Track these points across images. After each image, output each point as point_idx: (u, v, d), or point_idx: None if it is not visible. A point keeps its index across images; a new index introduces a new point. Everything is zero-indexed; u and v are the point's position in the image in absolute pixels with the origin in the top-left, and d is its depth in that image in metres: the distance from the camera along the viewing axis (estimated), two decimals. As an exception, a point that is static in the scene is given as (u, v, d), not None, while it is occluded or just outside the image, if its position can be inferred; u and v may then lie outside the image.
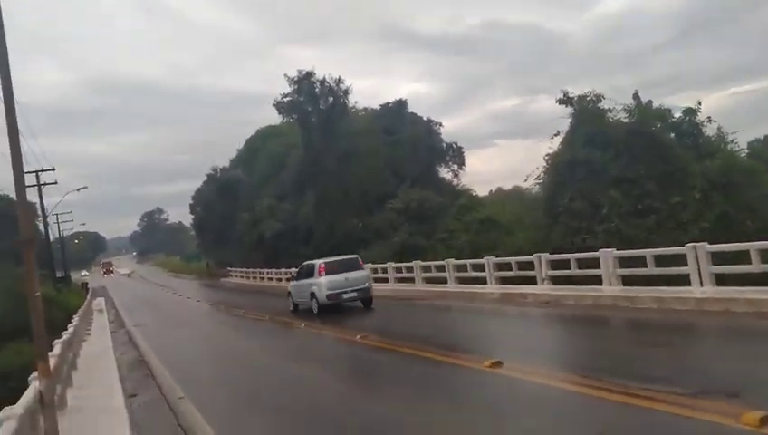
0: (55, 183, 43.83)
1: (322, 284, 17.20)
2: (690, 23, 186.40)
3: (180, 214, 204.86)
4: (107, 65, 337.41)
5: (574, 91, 20.24)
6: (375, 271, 24.34)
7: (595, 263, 13.74)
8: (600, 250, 13.23)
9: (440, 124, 51.40)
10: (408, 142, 43.39)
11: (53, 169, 43.31)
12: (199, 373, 11.48)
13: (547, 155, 21.54)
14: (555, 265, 15.02)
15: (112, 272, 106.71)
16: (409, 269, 21.71)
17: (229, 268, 53.87)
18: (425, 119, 50.49)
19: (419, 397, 7.29)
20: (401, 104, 47.48)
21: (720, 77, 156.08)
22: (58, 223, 65.64)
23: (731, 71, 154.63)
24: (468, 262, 18.37)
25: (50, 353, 8.93)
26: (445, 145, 51.12)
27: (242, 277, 47.51)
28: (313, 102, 36.93)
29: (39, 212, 49.01)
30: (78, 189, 47.25)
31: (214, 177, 66.35)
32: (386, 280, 23.14)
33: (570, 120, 20.49)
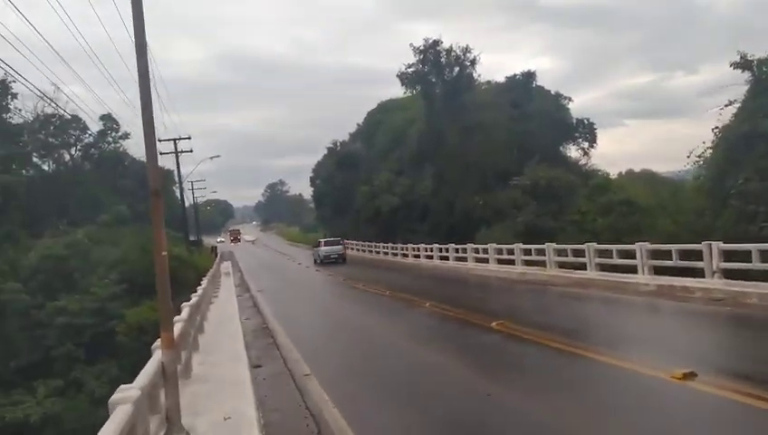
0: (191, 151, 46.81)
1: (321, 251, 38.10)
2: None
3: (301, 186, 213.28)
4: (236, 42, 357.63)
5: (754, 53, 17.02)
6: (499, 251, 22.76)
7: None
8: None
9: (569, 99, 47.95)
10: (535, 117, 40.67)
11: (189, 138, 45.82)
12: (323, 349, 10.86)
13: (716, 128, 18.53)
14: (729, 256, 12.63)
15: (239, 240, 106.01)
16: (540, 252, 19.87)
17: (345, 241, 54.51)
18: (552, 93, 47.29)
19: (587, 404, 5.90)
20: (529, 76, 44.45)
21: None
22: (192, 190, 70.52)
23: None
24: (615, 247, 16.22)
25: (177, 319, 8.60)
26: (575, 121, 47.65)
27: (357, 250, 47.75)
28: (438, 73, 35.46)
29: (176, 178, 52.61)
30: (211, 158, 49.90)
31: (334, 150, 67.39)
32: (512, 262, 21.48)
33: (746, 88, 17.30)
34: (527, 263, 20.69)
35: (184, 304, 10.60)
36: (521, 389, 6.88)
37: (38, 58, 13.90)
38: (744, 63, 17.19)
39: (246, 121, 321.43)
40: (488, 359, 8.59)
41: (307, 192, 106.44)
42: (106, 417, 3.46)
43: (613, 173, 38.02)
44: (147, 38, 5.85)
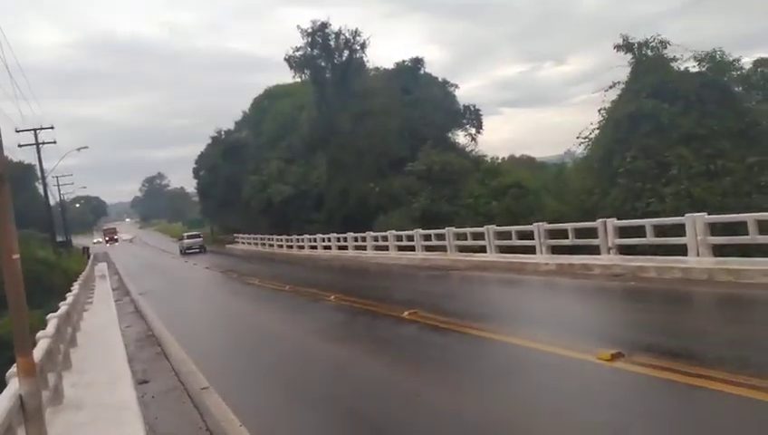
0: (54, 142, 41.93)
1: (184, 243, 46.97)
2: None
3: (182, 179, 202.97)
4: (104, 26, 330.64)
5: (635, 37, 17.91)
6: (399, 238, 22.48)
7: (674, 231, 11.85)
8: (687, 215, 11.25)
9: (456, 86, 49.03)
10: (424, 103, 41.05)
11: (52, 128, 41.23)
12: (221, 356, 9.69)
13: (602, 109, 19.38)
14: (623, 232, 13.10)
15: (116, 240, 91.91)
16: (440, 237, 19.80)
17: (235, 235, 52.06)
18: (440, 80, 48.11)
19: (527, 397, 5.47)
20: (417, 62, 44.76)
21: (732, 47, 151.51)
22: (58, 185, 63.92)
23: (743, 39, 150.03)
24: (513, 228, 16.41)
25: (41, 334, 7.11)
26: (462, 107, 48.87)
27: (249, 244, 45.78)
28: (328, 57, 34.44)
29: (38, 173, 47.12)
30: (78, 149, 45.19)
31: (218, 139, 63.99)
32: (412, 248, 21.28)
33: (628, 69, 18.19)
34: (427, 248, 20.58)
35: (50, 315, 8.96)
36: (450, 384, 6.32)
37: None
38: (626, 45, 18.09)
39: (118, 111, 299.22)
40: (408, 353, 7.97)
41: (190, 185, 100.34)
42: None
43: (496, 159, 39.33)
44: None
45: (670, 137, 16.35)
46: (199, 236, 51.90)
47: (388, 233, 23.18)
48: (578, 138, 20.02)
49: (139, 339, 11.90)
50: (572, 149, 23.19)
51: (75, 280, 20.88)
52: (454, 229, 19.41)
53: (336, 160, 35.18)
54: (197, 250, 47.58)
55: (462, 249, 18.74)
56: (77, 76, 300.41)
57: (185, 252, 47.12)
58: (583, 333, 7.78)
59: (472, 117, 49.45)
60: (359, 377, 7.12)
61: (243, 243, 48.36)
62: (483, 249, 17.50)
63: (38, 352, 5.78)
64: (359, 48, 34.57)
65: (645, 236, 12.33)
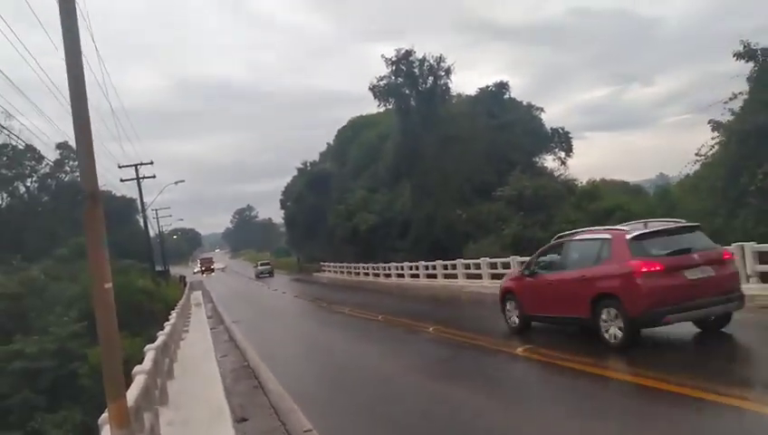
0: (154, 177, 44.06)
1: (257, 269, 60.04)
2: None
3: (270, 211, 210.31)
4: (196, 69, 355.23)
5: (758, 42, 16.12)
6: (494, 265, 21.32)
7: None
8: None
9: (541, 109, 47.49)
10: (511, 127, 39.88)
11: (152, 163, 43.45)
12: (321, 392, 9.07)
13: (712, 122, 17.54)
14: (763, 258, 11.41)
15: (213, 269, 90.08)
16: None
17: (322, 263, 52.57)
18: (524, 104, 46.77)
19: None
20: (501, 87, 43.89)
21: None
22: (157, 218, 67.67)
23: None
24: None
25: (137, 370, 6.73)
26: (550, 130, 47.18)
27: (335, 272, 45.91)
28: (412, 84, 34.28)
29: (139, 207, 49.94)
30: (176, 183, 47.89)
31: (304, 171, 65.66)
32: (509, 276, 20.00)
33: (747, 82, 16.36)
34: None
35: (148, 346, 8.75)
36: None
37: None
38: (747, 53, 16.30)
39: (210, 148, 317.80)
40: (536, 397, 6.97)
41: (277, 216, 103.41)
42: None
43: (592, 181, 37.18)
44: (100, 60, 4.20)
45: (806, 153, 14.41)
46: (269, 264, 67.40)
47: (481, 260, 22.08)
48: (697, 154, 18.13)
49: (234, 370, 11.57)
50: (665, 171, 21.14)
51: (173, 308, 21.39)
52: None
53: (421, 187, 34.65)
54: (267, 275, 60.88)
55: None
56: (173, 117, 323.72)
57: (258, 276, 60.52)
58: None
59: (561, 140, 47.63)
60: (478, 425, 6.21)
61: (329, 271, 48.64)
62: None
63: (133, 392, 5.35)
64: (443, 74, 34.20)
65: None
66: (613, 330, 8.33)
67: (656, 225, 9.10)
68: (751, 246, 11.35)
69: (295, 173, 70.64)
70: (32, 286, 32.82)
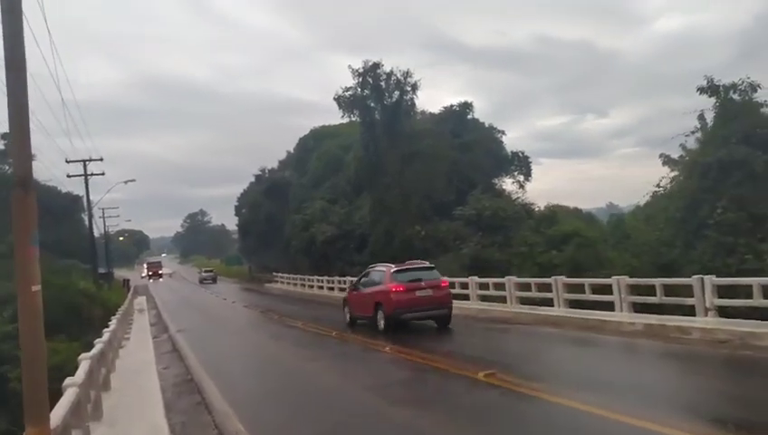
0: (102, 174, 42.23)
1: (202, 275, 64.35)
2: (752, 44, 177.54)
3: (223, 216, 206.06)
4: (155, 65, 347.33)
5: (720, 79, 16.57)
6: (452, 285, 21.01)
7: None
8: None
9: (503, 132, 48.16)
10: (473, 148, 40.17)
11: (101, 160, 41.64)
12: (270, 412, 8.42)
13: (666, 158, 17.93)
14: (724, 291, 11.49)
15: (161, 275, 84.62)
16: (499, 286, 18.32)
17: (274, 273, 51.38)
18: (486, 126, 47.34)
19: None
20: (465, 107, 44.30)
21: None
22: (104, 217, 64.92)
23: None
24: (586, 281, 14.87)
25: (69, 382, 6.04)
26: (510, 153, 47.86)
27: (287, 283, 44.84)
28: (378, 97, 34.00)
29: (84, 205, 47.62)
30: (126, 182, 45.86)
31: (262, 178, 64.42)
32: (466, 297, 19.81)
33: (710, 114, 16.81)
34: (483, 298, 19.10)
35: (82, 356, 7.95)
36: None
37: None
38: (710, 88, 16.73)
39: (165, 148, 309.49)
40: (496, 427, 6.58)
41: (230, 223, 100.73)
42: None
43: (551, 205, 37.71)
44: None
45: (764, 188, 14.75)
46: (212, 272, 69.95)
47: (469, 280, 21.64)
48: (657, 186, 18.50)
49: (177, 384, 10.78)
50: (614, 201, 21.54)
51: (114, 313, 20.19)
52: (515, 278, 17.93)
53: (381, 201, 34.30)
54: (210, 281, 62.98)
55: (524, 301, 17.22)
56: (127, 113, 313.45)
57: (202, 282, 62.89)
58: (715, 414, 6.26)
59: (521, 164, 48.31)
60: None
61: (281, 282, 47.52)
62: (548, 302, 15.97)
63: (61, 410, 4.70)
64: (409, 89, 34.09)
65: (751, 298, 10.70)
66: (381, 322, 14.86)
67: (410, 264, 16.32)
68: (710, 280, 11.40)
69: (252, 180, 69.32)
70: (-41, 283, 30.53)
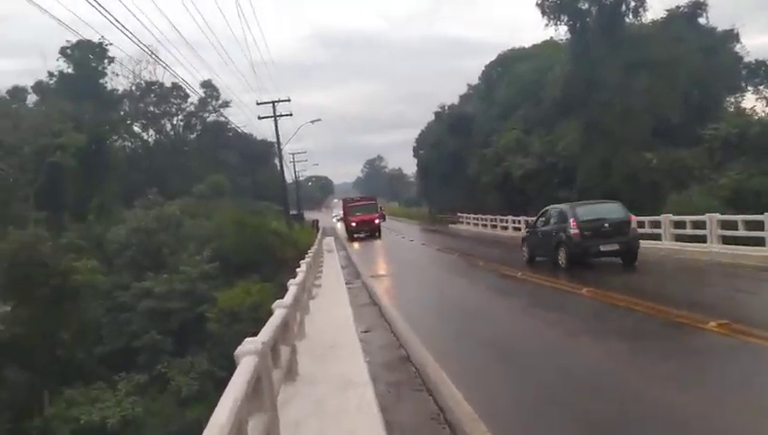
0: (290, 114, 41.93)
1: None
2: None
3: (399, 161, 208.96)
4: (322, 20, 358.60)
5: None
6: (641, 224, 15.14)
7: None
8: None
9: (738, 39, 37.47)
10: (707, 57, 31.53)
11: (289, 100, 41.26)
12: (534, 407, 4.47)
13: None
14: None
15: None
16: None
17: (459, 214, 47.89)
18: (718, 30, 37.10)
19: None
20: (696, 6, 34.97)
21: None
22: (294, 162, 66.87)
23: None
24: None
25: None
26: (754, 63, 37.70)
27: (476, 224, 40.94)
28: (593, -5, 27.41)
29: (276, 149, 48.27)
30: (312, 121, 45.13)
31: (441, 115, 60.50)
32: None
33: None
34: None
35: (275, 304, 4.75)
36: None
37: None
38: None
39: (342, 99, 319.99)
40: None
41: (406, 167, 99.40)
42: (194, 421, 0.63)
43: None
44: None
45: None
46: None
47: (706, 217, 15.81)
48: None
49: (388, 365, 7.36)
50: None
51: (305, 254, 18.11)
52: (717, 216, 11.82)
53: (595, 125, 28.16)
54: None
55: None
56: (305, 68, 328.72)
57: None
58: None
59: (767, 74, 37.99)
60: None
61: (467, 223, 43.85)
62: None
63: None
64: (634, -21, 26.82)
65: None
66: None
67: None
68: None
69: (425, 124, 66.08)
70: (166, 222, 31.87)
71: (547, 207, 16.67)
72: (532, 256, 16.75)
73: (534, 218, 17.63)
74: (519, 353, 7.60)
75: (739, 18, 68.22)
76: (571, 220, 14.34)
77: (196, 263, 28.19)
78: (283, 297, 6.59)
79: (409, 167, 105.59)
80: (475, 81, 58.86)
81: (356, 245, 33.74)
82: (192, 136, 63.23)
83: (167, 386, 23.03)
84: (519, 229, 30.65)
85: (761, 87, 37.83)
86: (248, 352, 3.51)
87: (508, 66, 46.85)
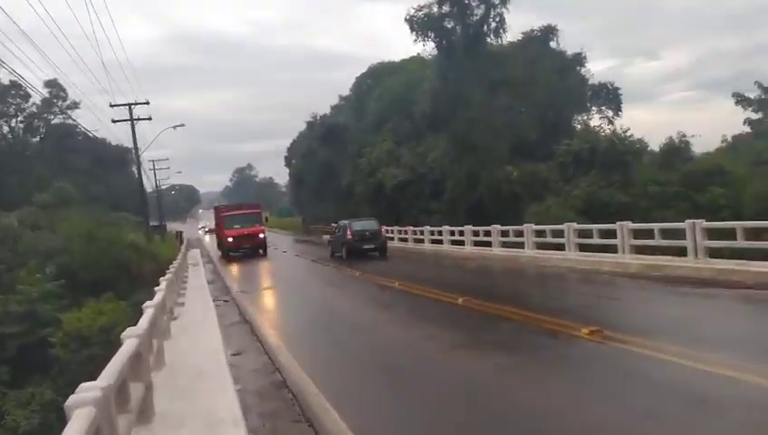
0: (149, 118, 38.56)
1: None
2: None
3: (269, 170, 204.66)
4: (192, 23, 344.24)
5: None
6: (585, 233, 16.33)
7: None
8: None
9: (581, 62, 41.20)
10: (564, 76, 34.48)
11: (147, 103, 38.00)
12: None
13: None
14: None
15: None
16: (670, 234, 13.54)
17: (333, 224, 47.53)
18: (568, 54, 40.66)
19: None
20: (548, 32, 38.02)
21: None
22: (154, 169, 62.32)
23: None
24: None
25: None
26: (598, 84, 41.83)
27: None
28: (460, 14, 28.59)
29: (134, 157, 44.58)
30: (174, 127, 41.85)
31: (314, 124, 60.02)
32: (611, 249, 15.08)
33: None
34: (639, 250, 14.32)
35: (126, 333, 3.89)
36: None
37: None
38: None
39: (207, 105, 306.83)
40: None
41: (278, 176, 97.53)
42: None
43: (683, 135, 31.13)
44: None
45: None
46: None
47: (565, 227, 16.94)
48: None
49: (262, 392, 6.64)
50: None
51: (167, 268, 16.56)
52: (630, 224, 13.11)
53: (462, 140, 29.35)
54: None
55: (713, 254, 12.40)
56: (167, 71, 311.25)
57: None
58: None
59: (609, 96, 42.39)
60: None
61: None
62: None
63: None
64: (498, 2, 28.43)
65: None
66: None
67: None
68: None
69: (298, 133, 65.37)
70: (2, 235, 27.89)
71: (338, 222, 25.58)
72: (333, 252, 24.75)
73: (334, 228, 26.60)
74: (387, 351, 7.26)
75: (586, 44, 75.30)
76: (348, 230, 23.17)
77: (37, 281, 24.91)
78: (137, 320, 5.66)
79: (281, 176, 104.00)
80: (346, 92, 59.29)
81: (225, 258, 31.98)
82: (35, 139, 56.67)
83: (1, 422, 19.96)
84: (392, 239, 31.10)
85: (603, 108, 42.14)
86: (82, 403, 2.75)
87: (378, 79, 47.67)
